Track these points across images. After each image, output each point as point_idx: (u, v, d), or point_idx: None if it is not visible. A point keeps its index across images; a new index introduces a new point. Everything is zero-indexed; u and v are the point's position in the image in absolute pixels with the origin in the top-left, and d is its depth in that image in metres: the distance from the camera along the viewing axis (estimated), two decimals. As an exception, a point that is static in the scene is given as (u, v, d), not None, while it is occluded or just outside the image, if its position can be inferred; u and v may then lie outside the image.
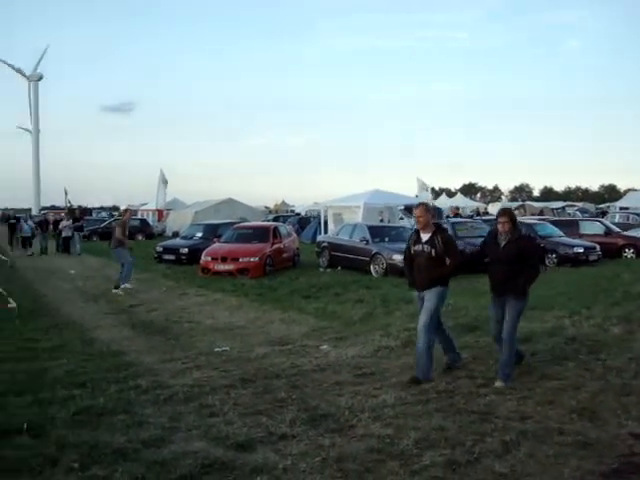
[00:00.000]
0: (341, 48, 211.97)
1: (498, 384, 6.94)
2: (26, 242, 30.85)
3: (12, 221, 32.14)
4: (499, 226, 7.19)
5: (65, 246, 30.87)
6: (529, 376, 7.34)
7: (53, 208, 68.04)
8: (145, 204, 59.10)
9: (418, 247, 7.53)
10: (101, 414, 6.16)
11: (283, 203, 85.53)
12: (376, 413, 6.10)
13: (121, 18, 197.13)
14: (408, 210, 27.90)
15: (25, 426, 5.69)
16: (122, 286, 16.30)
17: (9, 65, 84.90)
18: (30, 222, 32.60)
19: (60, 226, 31.83)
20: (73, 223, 31.66)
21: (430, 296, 7.38)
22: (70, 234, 30.83)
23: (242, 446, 5.32)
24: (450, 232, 20.02)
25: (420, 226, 7.59)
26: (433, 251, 7.35)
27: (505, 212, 7.41)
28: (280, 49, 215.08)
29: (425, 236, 7.49)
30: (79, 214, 36.96)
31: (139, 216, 50.65)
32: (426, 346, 7.28)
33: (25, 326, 11.40)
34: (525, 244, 7.21)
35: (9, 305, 13.31)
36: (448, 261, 7.38)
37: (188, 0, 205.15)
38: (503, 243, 7.14)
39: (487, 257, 7.52)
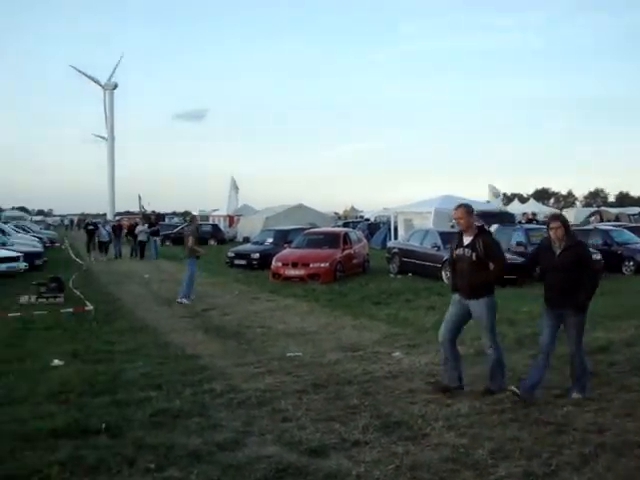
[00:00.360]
0: (409, 52, 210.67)
1: (575, 395, 6.77)
2: (103, 247, 31.60)
3: (91, 227, 32.38)
4: (551, 232, 6.80)
5: (141, 250, 31.45)
6: (607, 387, 7.16)
7: (128, 214, 69.66)
8: (216, 210, 59.95)
9: (459, 251, 7.19)
10: (177, 416, 6.27)
11: (352, 209, 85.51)
12: (450, 422, 6.03)
13: (193, 25, 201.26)
14: (480, 216, 27.49)
15: (103, 426, 5.83)
16: (178, 300, 15.61)
17: (86, 75, 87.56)
18: (108, 227, 33.29)
19: (136, 231, 32.44)
20: (149, 228, 32.34)
21: (480, 313, 7.07)
22: (145, 239, 31.57)
23: (315, 452, 5.33)
24: (524, 239, 20.04)
25: (461, 229, 7.29)
26: (474, 255, 6.97)
27: (556, 217, 7.08)
28: (350, 53, 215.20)
29: (467, 239, 7.14)
30: (155, 219, 37.43)
31: (210, 222, 51.50)
32: (497, 358, 7.12)
33: (101, 328, 11.69)
34: (582, 251, 6.83)
35: (86, 308, 13.76)
36: (492, 266, 7.04)
37: (259, 6, 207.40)
38: (559, 251, 6.75)
39: (540, 266, 7.20)
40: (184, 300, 15.53)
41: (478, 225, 7.35)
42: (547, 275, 6.94)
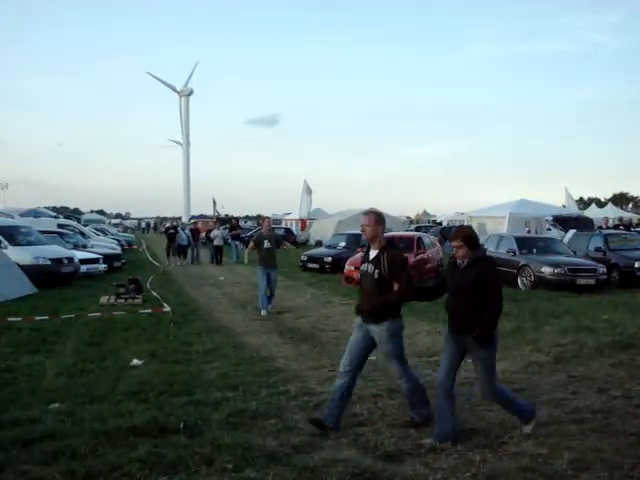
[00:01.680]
0: (483, 55, 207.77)
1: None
2: (182, 251, 30.50)
3: (172, 231, 30.69)
4: (454, 251, 5.88)
5: (218, 255, 30.38)
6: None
7: (202, 217, 70.72)
8: (289, 213, 60.44)
9: (364, 267, 6.29)
10: (253, 417, 6.34)
11: (424, 213, 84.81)
12: (528, 430, 5.93)
13: (266, 33, 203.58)
14: (557, 221, 26.94)
15: (182, 425, 5.92)
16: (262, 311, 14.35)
17: (162, 82, 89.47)
18: (187, 231, 32.01)
19: (211, 235, 31.59)
20: (230, 231, 31.75)
21: (381, 340, 6.07)
22: (221, 243, 30.65)
23: (391, 457, 5.32)
24: (602, 244, 19.54)
25: (366, 238, 6.37)
26: (376, 272, 6.05)
27: (458, 233, 5.84)
28: (423, 55, 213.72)
29: (373, 253, 6.22)
30: (236, 223, 35.89)
31: (283, 225, 51.97)
32: (411, 387, 6.22)
33: (179, 329, 11.88)
34: (485, 268, 5.71)
35: (164, 309, 14.03)
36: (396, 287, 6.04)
37: (327, 13, 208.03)
38: (462, 268, 5.81)
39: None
40: (262, 311, 14.29)
41: (388, 239, 6.56)
42: (450, 296, 5.96)
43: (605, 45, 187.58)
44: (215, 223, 34.90)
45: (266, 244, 14.70)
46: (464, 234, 5.81)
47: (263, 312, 14.14)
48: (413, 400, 6.22)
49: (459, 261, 5.83)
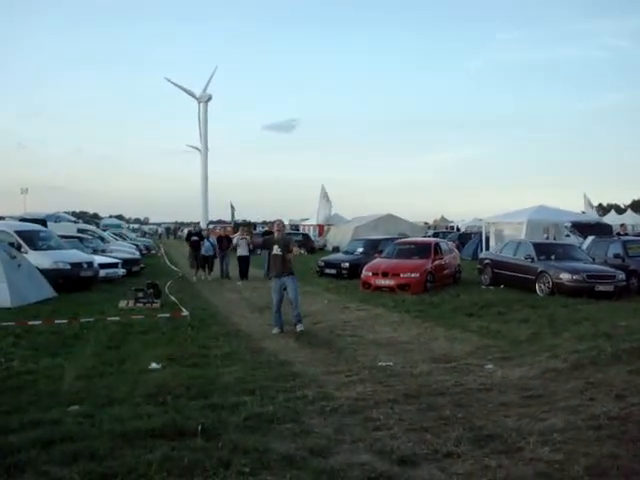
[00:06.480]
0: (502, 61, 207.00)
1: None
2: (206, 262, 25.42)
3: (195, 238, 25.74)
4: None
5: (242, 268, 24.97)
6: None
7: (220, 222, 70.88)
8: (307, 219, 60.60)
9: None
10: (270, 421, 6.35)
11: (442, 219, 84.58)
12: (544, 437, 5.89)
13: (284, 38, 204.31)
14: (575, 227, 26.81)
15: (199, 428, 5.94)
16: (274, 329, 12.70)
17: (181, 87, 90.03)
18: (212, 239, 26.70)
19: (234, 242, 25.37)
20: (262, 237, 25.79)
21: None
22: (247, 253, 25.48)
23: (407, 461, 5.31)
24: (621, 251, 19.37)
25: None
26: None
27: None
28: (442, 60, 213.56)
29: None
30: (271, 228, 28.63)
31: (301, 230, 52.09)
32: None
33: (197, 333, 11.94)
34: None
35: (182, 313, 14.12)
36: None
37: (347, 19, 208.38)
38: None
39: None
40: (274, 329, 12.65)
41: None
42: None
43: (626, 50, 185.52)
44: (233, 228, 30.24)
45: (275, 250, 12.87)
46: None
47: (275, 330, 12.53)
48: None
49: None
